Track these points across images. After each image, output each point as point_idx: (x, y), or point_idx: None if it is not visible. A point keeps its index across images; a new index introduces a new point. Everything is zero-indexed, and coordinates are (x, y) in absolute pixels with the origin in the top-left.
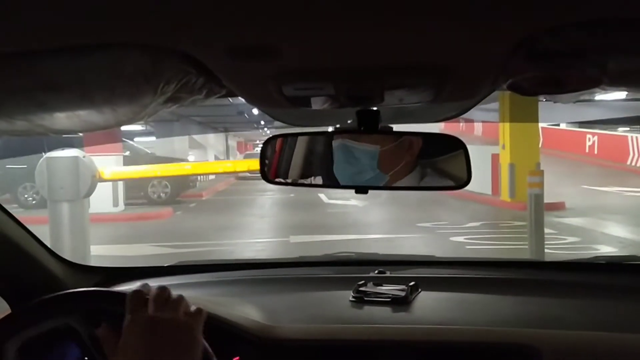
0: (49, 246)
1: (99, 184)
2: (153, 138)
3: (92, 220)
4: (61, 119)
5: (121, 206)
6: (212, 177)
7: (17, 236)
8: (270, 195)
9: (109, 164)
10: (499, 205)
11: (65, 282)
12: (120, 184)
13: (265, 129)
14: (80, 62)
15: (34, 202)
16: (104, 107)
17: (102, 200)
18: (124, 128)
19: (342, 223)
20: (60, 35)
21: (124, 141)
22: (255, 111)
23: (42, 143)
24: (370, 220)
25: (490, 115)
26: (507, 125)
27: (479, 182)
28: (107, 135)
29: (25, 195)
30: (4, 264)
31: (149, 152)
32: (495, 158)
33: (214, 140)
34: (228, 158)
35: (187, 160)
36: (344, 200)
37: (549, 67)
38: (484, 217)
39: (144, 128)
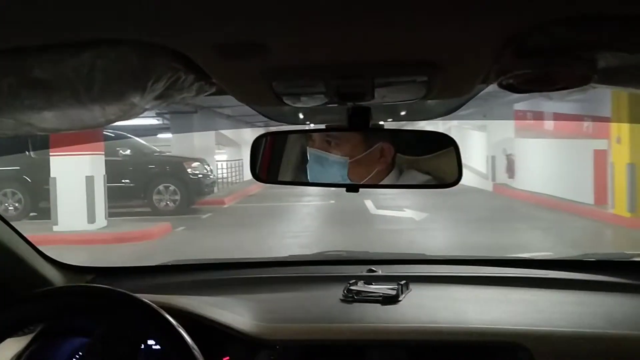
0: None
1: (67, 192)
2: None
3: (45, 242)
4: (49, 117)
5: (100, 222)
6: (249, 177)
7: (4, 236)
8: (307, 201)
9: (81, 166)
10: (608, 221)
11: (55, 281)
12: (100, 192)
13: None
14: (68, 60)
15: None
16: (93, 105)
17: (72, 215)
18: (137, 121)
19: (398, 247)
20: (48, 31)
21: (127, 137)
22: None
23: (27, 142)
24: (436, 246)
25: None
26: (624, 109)
27: (574, 186)
28: (81, 133)
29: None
30: None
31: (157, 149)
32: (600, 156)
33: (250, 135)
34: None
35: (205, 160)
36: (397, 210)
37: (538, 64)
38: (590, 242)
39: (160, 122)
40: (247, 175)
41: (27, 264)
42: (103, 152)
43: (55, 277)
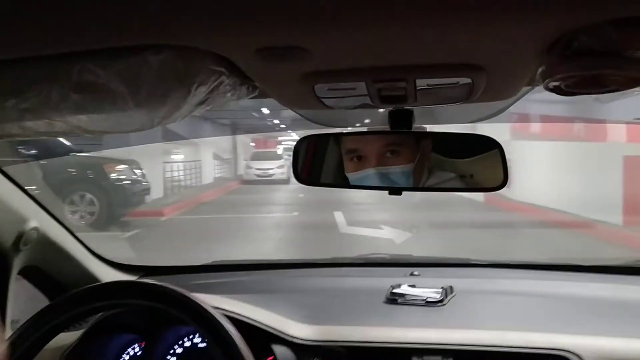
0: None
1: None
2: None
3: None
4: (97, 120)
5: None
6: (209, 180)
7: (58, 235)
8: (266, 212)
9: None
10: None
11: (105, 279)
12: None
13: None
14: (114, 64)
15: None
16: (139, 109)
17: None
18: None
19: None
20: (94, 37)
21: None
22: (265, 110)
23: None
24: None
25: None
26: None
27: (591, 200)
28: None
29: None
30: (46, 262)
31: (74, 148)
32: (632, 163)
33: (211, 133)
34: (237, 158)
35: (137, 162)
36: (373, 228)
37: (587, 66)
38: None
39: None
40: (208, 178)
41: (79, 262)
42: None
43: (105, 274)
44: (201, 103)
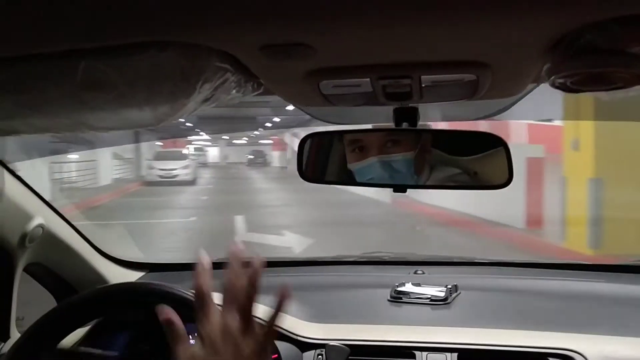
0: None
1: None
2: None
3: None
4: (103, 117)
5: None
6: (106, 182)
7: (63, 232)
8: (161, 218)
9: None
10: (560, 257)
11: (111, 276)
12: None
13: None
14: (121, 62)
15: None
16: (144, 106)
17: None
18: None
19: None
20: (101, 35)
21: None
22: None
23: None
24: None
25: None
26: (588, 106)
27: (495, 204)
28: None
29: None
30: (51, 259)
31: None
32: (534, 165)
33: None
34: (140, 158)
35: None
36: (274, 234)
37: (592, 64)
38: None
39: None
40: (105, 179)
41: (84, 259)
42: None
43: (110, 272)
44: (206, 100)
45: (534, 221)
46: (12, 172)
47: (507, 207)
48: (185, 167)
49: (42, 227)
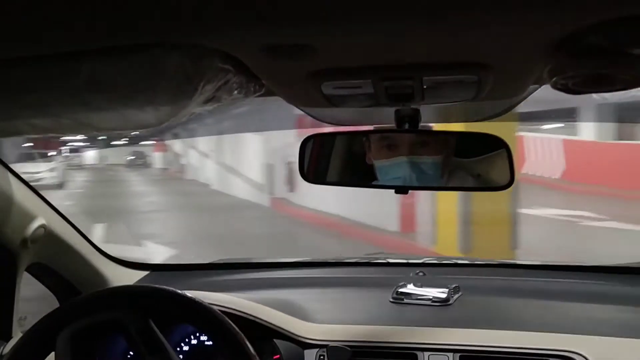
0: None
1: None
2: None
3: None
4: (105, 117)
5: None
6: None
7: (65, 233)
8: None
9: None
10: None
11: (111, 277)
12: None
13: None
14: (123, 62)
15: None
16: (146, 106)
17: None
18: None
19: None
20: (104, 36)
21: None
22: None
23: None
24: None
25: None
26: None
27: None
28: None
29: None
30: (53, 260)
31: None
32: None
33: None
34: None
35: None
36: (134, 245)
37: (594, 65)
38: None
39: None
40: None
41: (86, 259)
42: None
43: (111, 271)
44: (208, 101)
45: (408, 224)
46: (14, 173)
47: (385, 211)
48: (52, 169)
49: (44, 228)
